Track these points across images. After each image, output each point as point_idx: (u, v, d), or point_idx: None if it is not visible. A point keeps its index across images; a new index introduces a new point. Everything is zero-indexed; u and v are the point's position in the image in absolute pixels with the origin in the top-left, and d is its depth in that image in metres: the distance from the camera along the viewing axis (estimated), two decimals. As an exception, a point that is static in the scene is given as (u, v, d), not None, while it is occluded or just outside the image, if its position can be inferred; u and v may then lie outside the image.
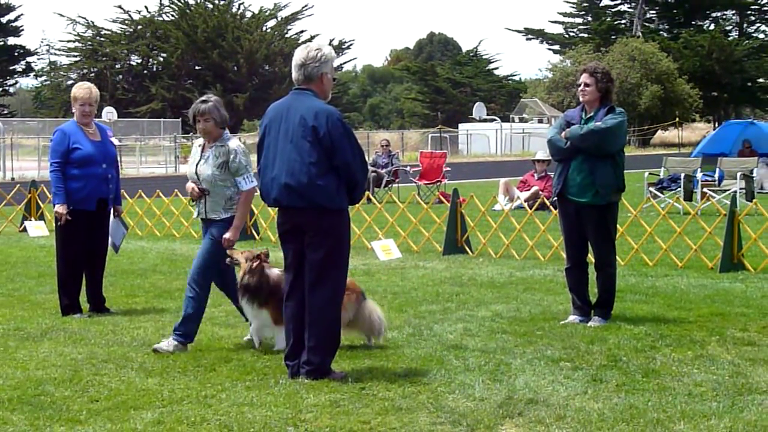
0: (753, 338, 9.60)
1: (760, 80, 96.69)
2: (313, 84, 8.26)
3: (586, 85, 10.38)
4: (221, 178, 9.38)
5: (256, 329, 9.43)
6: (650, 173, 25.88)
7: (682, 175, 24.16)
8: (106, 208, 11.36)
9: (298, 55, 8.29)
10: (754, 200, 17.87)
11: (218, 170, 9.37)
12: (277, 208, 8.42)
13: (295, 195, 8.07)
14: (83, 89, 11.40)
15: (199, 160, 9.50)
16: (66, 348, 9.41)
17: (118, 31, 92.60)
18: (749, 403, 7.34)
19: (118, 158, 11.92)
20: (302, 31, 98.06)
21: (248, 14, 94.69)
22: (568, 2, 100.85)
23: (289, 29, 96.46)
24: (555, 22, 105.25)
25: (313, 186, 8.01)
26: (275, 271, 9.28)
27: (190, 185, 9.53)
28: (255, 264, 9.22)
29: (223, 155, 9.38)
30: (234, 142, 9.53)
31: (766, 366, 8.50)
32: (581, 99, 10.48)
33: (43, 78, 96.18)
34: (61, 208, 11.09)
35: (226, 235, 9.31)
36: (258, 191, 8.98)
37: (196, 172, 9.50)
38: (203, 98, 9.61)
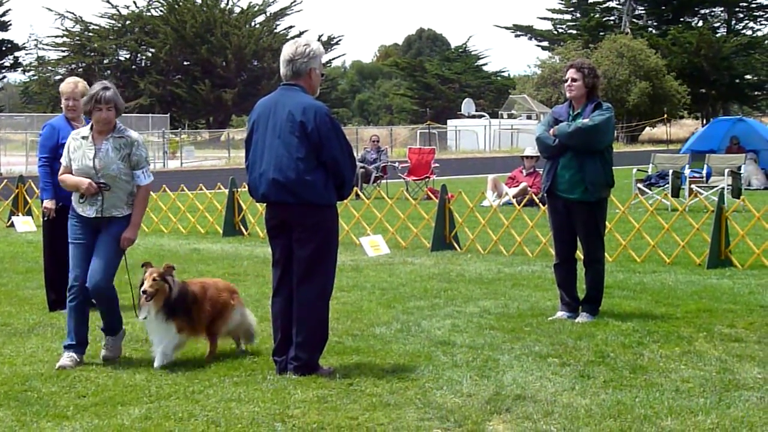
0: (740, 334, 9.63)
1: (748, 77, 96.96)
2: (301, 79, 8.26)
3: (573, 80, 10.40)
4: (125, 171, 8.61)
5: (162, 343, 8.58)
6: (638, 170, 25.91)
7: (670, 171, 24.20)
8: (94, 204, 11.31)
9: (287, 51, 8.28)
10: (741, 197, 17.88)
11: (123, 163, 8.61)
12: (265, 204, 8.42)
13: (283, 190, 8.05)
14: (68, 84, 11.38)
15: (94, 154, 8.61)
16: (53, 343, 9.39)
17: (107, 26, 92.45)
18: (736, 399, 7.35)
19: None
20: (291, 27, 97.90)
21: (237, 10, 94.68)
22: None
23: (278, 25, 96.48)
24: (544, 18, 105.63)
25: (301, 181, 8.00)
26: (176, 280, 8.73)
27: (84, 181, 8.55)
28: (172, 278, 8.59)
29: (125, 147, 8.63)
30: (135, 133, 8.85)
31: (753, 362, 8.52)
32: (568, 94, 10.50)
33: (31, 73, 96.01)
34: (49, 204, 11.06)
35: (127, 234, 8.65)
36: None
37: (94, 167, 8.58)
38: (104, 85, 8.70)
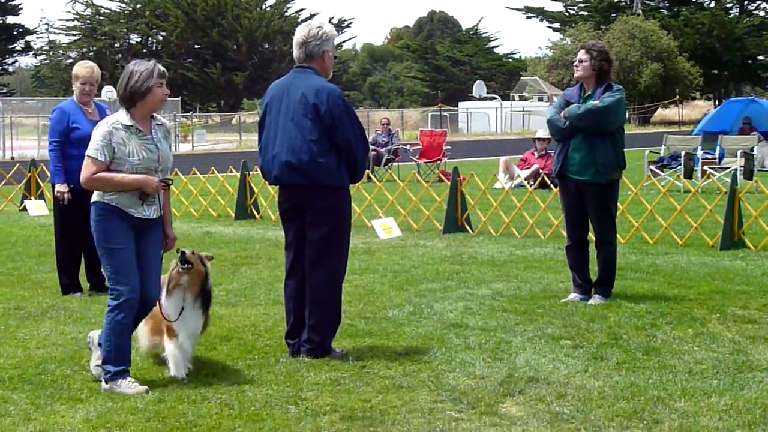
0: (753, 316, 9.61)
1: (761, 58, 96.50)
2: (314, 62, 8.25)
3: (581, 60, 10.39)
4: None
5: (184, 344, 7.68)
6: (650, 151, 25.87)
7: (683, 153, 24.15)
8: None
9: (300, 33, 8.27)
10: (755, 179, 17.84)
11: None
12: (277, 187, 8.42)
13: (296, 173, 8.05)
14: (86, 68, 11.33)
15: (154, 146, 7.40)
16: (66, 327, 9.41)
17: (117, 10, 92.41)
18: (749, 381, 7.34)
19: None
20: (301, 10, 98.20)
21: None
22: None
23: (289, 8, 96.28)
24: (555, 0, 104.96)
25: (314, 164, 8.00)
26: None
27: (153, 179, 7.32)
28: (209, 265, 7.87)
29: (168, 135, 7.62)
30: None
31: (767, 344, 8.50)
32: (575, 74, 10.50)
33: (42, 57, 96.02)
34: (62, 188, 11.05)
35: (172, 234, 7.66)
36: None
37: (158, 160, 7.40)
38: (149, 59, 7.63)
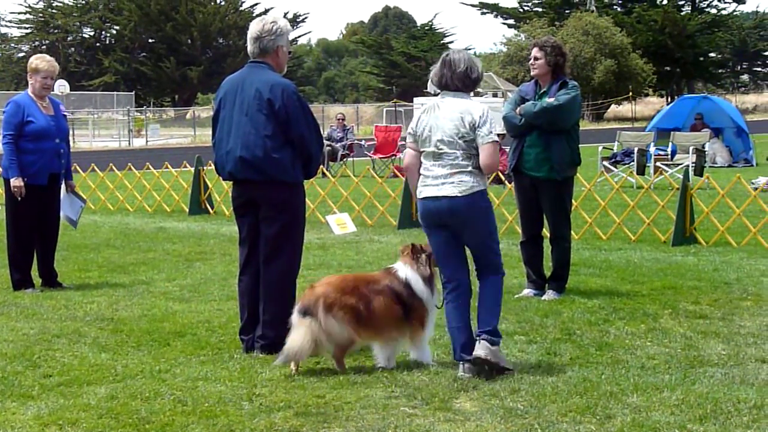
0: (705, 311, 9.69)
1: (712, 55, 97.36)
2: (268, 57, 8.23)
3: (536, 58, 10.41)
4: None
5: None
6: (604, 147, 25.99)
7: (636, 149, 24.29)
8: (57, 183, 11.24)
9: (254, 28, 8.24)
10: (705, 175, 17.98)
11: None
12: (231, 182, 8.39)
13: (250, 168, 8.03)
14: (47, 61, 11.22)
15: None
16: (18, 323, 9.33)
17: (70, 3, 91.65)
18: (701, 376, 7.40)
19: (70, 132, 11.77)
20: (256, 4, 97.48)
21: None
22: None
23: (243, 2, 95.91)
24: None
25: (268, 159, 7.98)
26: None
27: None
28: None
29: None
30: None
31: (718, 338, 8.58)
32: (532, 73, 10.52)
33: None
34: (17, 182, 10.90)
35: None
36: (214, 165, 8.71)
37: None
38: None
